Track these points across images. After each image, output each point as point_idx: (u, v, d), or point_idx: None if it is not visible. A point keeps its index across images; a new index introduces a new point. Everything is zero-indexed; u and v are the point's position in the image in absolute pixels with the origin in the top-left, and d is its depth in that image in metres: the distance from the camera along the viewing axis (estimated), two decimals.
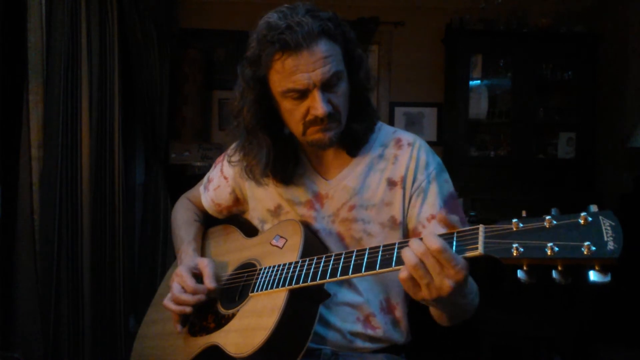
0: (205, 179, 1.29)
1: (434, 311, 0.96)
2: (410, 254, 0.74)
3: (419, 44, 3.94)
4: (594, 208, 0.66)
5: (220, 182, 1.22)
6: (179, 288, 1.04)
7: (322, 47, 0.92)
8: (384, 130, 1.14)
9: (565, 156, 3.78)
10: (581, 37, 3.74)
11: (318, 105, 0.93)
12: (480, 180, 3.68)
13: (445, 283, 0.73)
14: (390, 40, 3.97)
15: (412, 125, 3.97)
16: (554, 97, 3.92)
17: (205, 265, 1.06)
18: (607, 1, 3.77)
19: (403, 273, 0.75)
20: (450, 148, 3.81)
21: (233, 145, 1.16)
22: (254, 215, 1.18)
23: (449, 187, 1.09)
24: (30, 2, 1.84)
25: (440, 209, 1.04)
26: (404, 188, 1.06)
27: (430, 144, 1.16)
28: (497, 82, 3.87)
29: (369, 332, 1.06)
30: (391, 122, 3.94)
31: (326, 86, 0.94)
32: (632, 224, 2.85)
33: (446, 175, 1.10)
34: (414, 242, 0.75)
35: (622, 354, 2.57)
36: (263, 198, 1.14)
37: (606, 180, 3.71)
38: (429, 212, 1.04)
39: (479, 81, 3.81)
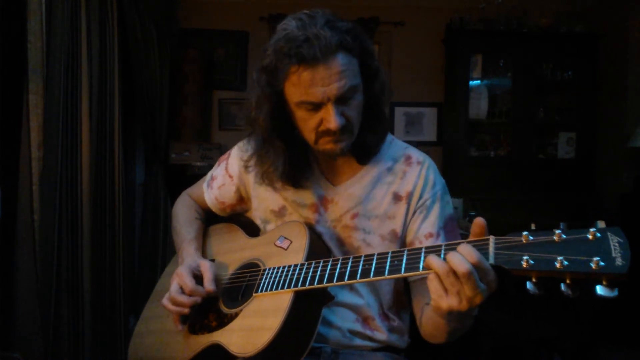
0: (208, 176, 1.28)
1: (431, 329, 0.96)
2: (438, 262, 0.73)
3: (419, 44, 3.94)
4: (601, 224, 0.67)
5: (225, 180, 1.22)
6: (177, 288, 1.03)
7: (338, 61, 0.91)
8: (395, 145, 1.14)
9: (565, 156, 3.79)
10: (581, 37, 3.74)
11: (331, 119, 0.93)
12: (480, 180, 3.68)
13: (479, 295, 0.72)
14: (390, 40, 3.97)
15: (412, 125, 3.96)
16: (554, 97, 3.93)
17: (207, 268, 1.06)
18: (607, 1, 3.77)
19: (431, 274, 0.75)
20: (450, 148, 3.80)
21: (241, 144, 1.17)
22: (257, 214, 1.18)
23: (450, 209, 1.11)
24: (30, 2, 1.83)
25: (439, 229, 1.05)
26: (408, 203, 1.07)
27: (430, 144, 1.17)
28: (497, 82, 3.87)
29: (368, 332, 1.06)
30: (391, 122, 3.94)
31: (341, 100, 0.94)
32: (632, 224, 2.85)
33: (448, 198, 1.12)
34: (454, 256, 0.72)
35: (623, 355, 2.57)
36: (267, 198, 1.14)
37: (606, 180, 3.71)
38: (428, 230, 1.06)
39: (479, 81, 3.82)
